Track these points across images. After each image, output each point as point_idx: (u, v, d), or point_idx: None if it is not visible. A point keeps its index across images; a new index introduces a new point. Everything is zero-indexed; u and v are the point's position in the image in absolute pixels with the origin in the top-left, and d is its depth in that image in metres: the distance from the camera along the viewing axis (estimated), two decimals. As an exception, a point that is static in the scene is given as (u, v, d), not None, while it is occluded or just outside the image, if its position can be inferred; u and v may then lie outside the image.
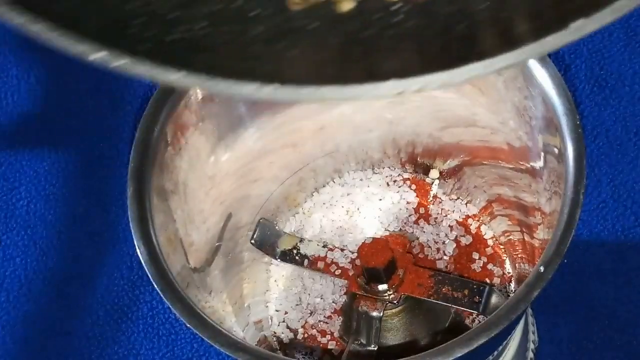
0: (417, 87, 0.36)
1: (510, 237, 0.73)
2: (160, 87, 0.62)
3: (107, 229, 0.85)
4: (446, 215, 0.75)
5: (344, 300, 0.72)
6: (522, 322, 0.70)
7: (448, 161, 0.74)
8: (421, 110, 0.70)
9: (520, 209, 0.70)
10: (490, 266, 0.73)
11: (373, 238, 0.65)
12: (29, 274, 0.84)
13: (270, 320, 0.73)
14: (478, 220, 0.74)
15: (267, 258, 0.73)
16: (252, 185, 0.71)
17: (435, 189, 0.75)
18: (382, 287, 0.66)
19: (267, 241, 0.72)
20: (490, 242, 0.74)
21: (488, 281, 0.72)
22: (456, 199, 0.75)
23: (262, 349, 0.56)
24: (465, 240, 0.74)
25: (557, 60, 0.87)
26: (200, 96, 0.63)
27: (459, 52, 0.37)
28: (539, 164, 0.64)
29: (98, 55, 0.35)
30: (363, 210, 0.75)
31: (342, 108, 0.70)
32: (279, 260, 0.72)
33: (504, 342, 0.66)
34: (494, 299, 0.66)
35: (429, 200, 0.75)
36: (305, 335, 0.72)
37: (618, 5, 0.39)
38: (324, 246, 0.71)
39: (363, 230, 0.75)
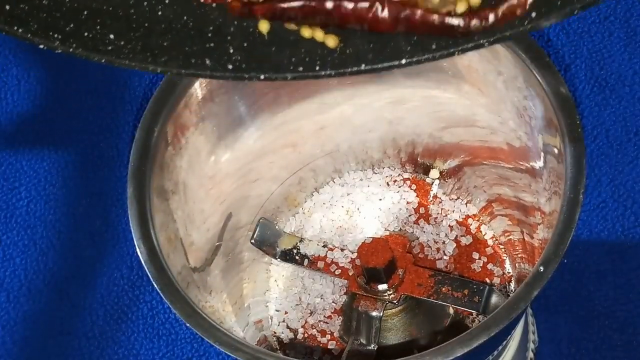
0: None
1: (510, 237, 0.73)
2: (160, 87, 0.62)
3: (107, 229, 0.85)
4: (446, 215, 0.75)
5: (344, 300, 0.72)
6: (522, 321, 0.70)
7: (448, 161, 0.74)
8: (421, 110, 0.70)
9: (520, 209, 0.70)
10: (490, 266, 0.73)
11: (373, 238, 0.65)
12: (29, 274, 0.84)
13: (270, 320, 0.73)
14: (478, 220, 0.74)
15: (267, 258, 0.73)
16: (252, 185, 0.71)
17: (435, 189, 0.75)
18: (382, 287, 0.66)
19: (267, 241, 0.72)
20: (490, 242, 0.74)
21: (488, 281, 0.72)
22: (456, 199, 0.75)
23: (262, 348, 0.57)
24: (465, 240, 0.74)
25: (557, 60, 0.87)
26: (200, 96, 0.63)
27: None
28: (539, 164, 0.64)
29: None
30: (363, 210, 0.75)
31: (343, 108, 0.70)
32: (279, 260, 0.72)
33: (504, 342, 0.66)
34: (494, 299, 0.66)
35: (429, 200, 0.75)
36: (305, 335, 0.72)
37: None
38: (324, 246, 0.71)
39: (363, 230, 0.75)
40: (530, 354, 0.76)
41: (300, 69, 0.43)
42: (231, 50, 0.43)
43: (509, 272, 0.73)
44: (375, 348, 0.66)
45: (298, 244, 0.71)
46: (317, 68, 0.43)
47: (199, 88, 0.63)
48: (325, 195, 0.76)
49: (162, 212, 0.61)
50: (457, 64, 0.64)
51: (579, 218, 0.56)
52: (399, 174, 0.76)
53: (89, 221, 0.86)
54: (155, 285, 0.57)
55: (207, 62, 0.43)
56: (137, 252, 0.58)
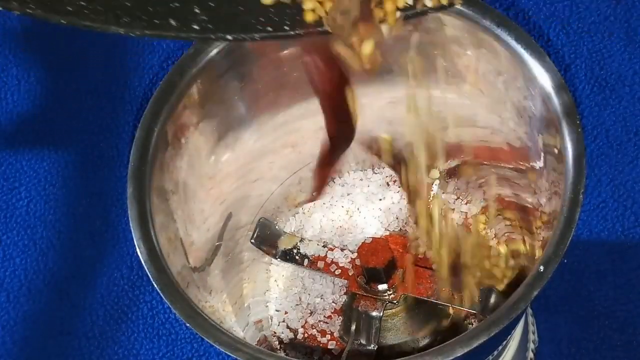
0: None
1: (511, 237, 0.73)
2: (160, 87, 0.62)
3: (107, 229, 0.85)
4: (446, 215, 0.75)
5: (344, 300, 0.72)
6: (522, 322, 0.70)
7: (448, 161, 0.74)
8: (421, 110, 0.70)
9: (520, 209, 0.70)
10: (490, 266, 0.73)
11: (373, 238, 0.65)
12: (28, 274, 0.84)
13: (270, 320, 0.73)
14: (478, 221, 0.74)
15: (267, 258, 0.73)
16: (252, 185, 0.71)
17: (435, 189, 0.75)
18: (382, 287, 0.66)
19: (267, 241, 0.72)
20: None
21: (488, 281, 0.72)
22: (456, 199, 0.75)
23: (262, 348, 0.57)
24: (465, 240, 0.73)
25: (557, 60, 0.87)
26: (200, 96, 0.63)
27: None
28: (539, 164, 0.64)
29: None
30: (363, 210, 0.75)
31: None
32: (279, 260, 0.72)
33: (504, 342, 0.66)
34: (494, 299, 0.66)
35: (429, 200, 0.75)
36: (305, 335, 0.72)
37: None
38: (324, 246, 0.71)
39: (363, 230, 0.74)
40: (530, 354, 0.76)
41: (269, 28, 0.42)
42: (197, 10, 0.41)
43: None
44: (375, 348, 0.66)
45: (298, 244, 0.71)
46: (287, 28, 0.42)
47: (199, 88, 0.63)
48: (325, 195, 0.76)
49: (162, 212, 0.61)
50: (458, 64, 0.64)
51: (579, 218, 0.56)
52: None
53: (89, 221, 0.86)
54: (155, 286, 0.57)
55: (172, 22, 0.41)
56: (137, 252, 0.58)
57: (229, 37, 0.41)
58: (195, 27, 0.41)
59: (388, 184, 0.76)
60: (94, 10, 0.41)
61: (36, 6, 0.41)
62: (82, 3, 0.41)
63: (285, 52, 0.65)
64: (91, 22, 0.41)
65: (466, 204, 0.75)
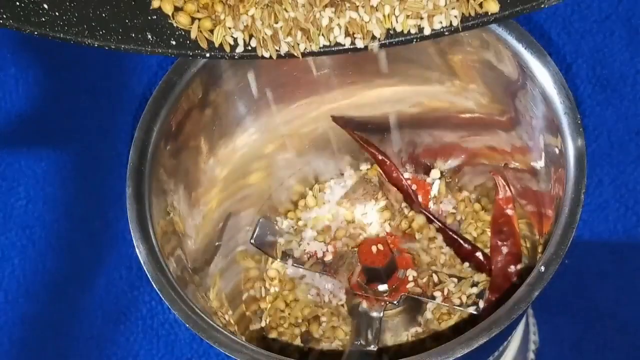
0: None
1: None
2: (159, 87, 0.62)
3: (106, 229, 0.85)
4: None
5: (344, 300, 0.72)
6: (523, 322, 0.70)
7: (449, 161, 0.74)
8: (422, 110, 0.70)
9: (521, 210, 0.70)
10: (491, 266, 0.72)
11: (373, 238, 0.65)
12: (27, 274, 0.84)
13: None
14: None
15: (266, 258, 0.73)
16: (251, 185, 0.71)
17: (435, 189, 0.75)
18: (382, 287, 0.66)
19: (267, 241, 0.72)
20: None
21: (489, 282, 0.72)
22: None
23: (261, 349, 0.56)
24: (466, 241, 0.73)
25: (559, 60, 0.87)
26: (199, 96, 0.63)
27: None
28: (540, 164, 0.64)
29: None
30: (363, 210, 0.75)
31: (343, 108, 0.70)
32: (279, 260, 0.72)
33: (505, 342, 0.65)
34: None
35: (429, 200, 0.75)
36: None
37: None
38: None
39: (363, 230, 0.74)
40: (531, 355, 0.76)
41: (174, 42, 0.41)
42: (175, 25, 0.40)
43: (510, 273, 0.72)
44: (376, 348, 0.66)
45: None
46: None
47: (198, 88, 0.63)
48: (326, 195, 0.76)
49: (161, 212, 0.61)
50: (459, 64, 0.64)
51: (580, 218, 0.56)
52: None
53: (87, 221, 0.86)
54: (155, 286, 0.57)
55: (149, 36, 0.40)
56: (136, 253, 0.58)
57: (207, 54, 0.40)
58: (173, 42, 0.42)
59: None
60: (68, 20, 0.39)
61: (8, 16, 0.39)
62: (56, 13, 0.39)
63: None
64: (64, 34, 0.39)
65: (466, 204, 0.75)
